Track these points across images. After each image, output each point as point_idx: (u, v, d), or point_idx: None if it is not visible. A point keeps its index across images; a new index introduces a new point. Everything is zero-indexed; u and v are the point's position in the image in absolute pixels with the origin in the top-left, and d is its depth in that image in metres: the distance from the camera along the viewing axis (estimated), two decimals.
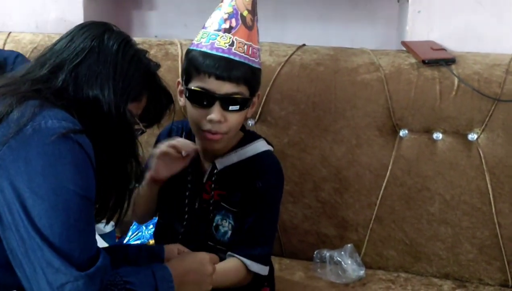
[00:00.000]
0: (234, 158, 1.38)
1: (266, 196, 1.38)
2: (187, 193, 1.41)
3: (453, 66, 1.64)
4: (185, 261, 1.21)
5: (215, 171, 1.39)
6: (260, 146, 1.41)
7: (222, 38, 1.29)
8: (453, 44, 1.76)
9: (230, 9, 1.31)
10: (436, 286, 1.61)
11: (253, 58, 1.31)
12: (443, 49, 1.72)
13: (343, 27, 2.09)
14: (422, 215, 1.65)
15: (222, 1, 1.34)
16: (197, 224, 1.41)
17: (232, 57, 1.28)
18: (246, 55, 1.29)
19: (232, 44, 1.28)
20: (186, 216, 1.42)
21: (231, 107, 1.29)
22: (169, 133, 1.47)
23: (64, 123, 0.97)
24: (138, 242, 1.76)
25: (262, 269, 1.36)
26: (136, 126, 1.13)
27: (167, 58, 1.82)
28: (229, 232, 1.39)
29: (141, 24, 2.31)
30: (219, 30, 1.30)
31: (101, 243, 1.65)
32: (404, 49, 1.77)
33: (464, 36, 1.77)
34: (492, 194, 1.60)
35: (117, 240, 1.82)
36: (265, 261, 1.37)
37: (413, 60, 1.69)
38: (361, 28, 2.07)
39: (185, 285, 1.14)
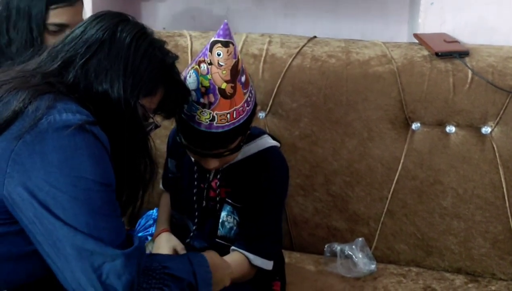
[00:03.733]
0: (238, 155, 1.37)
1: (270, 192, 1.37)
2: (194, 190, 1.40)
3: (466, 59, 1.62)
4: (212, 254, 1.20)
5: (220, 169, 1.38)
6: (264, 142, 1.40)
7: (202, 113, 1.22)
8: (466, 36, 1.75)
9: (206, 83, 1.22)
10: (448, 281, 1.60)
11: (240, 116, 1.25)
12: (456, 41, 1.70)
13: (354, 20, 2.08)
14: (435, 209, 1.64)
15: (198, 64, 1.23)
16: (207, 222, 1.41)
17: (214, 131, 1.23)
18: (230, 123, 1.24)
19: (213, 120, 1.22)
20: (197, 214, 1.42)
21: (224, 156, 1.29)
22: (174, 133, 1.44)
23: (79, 115, 0.96)
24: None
25: (265, 264, 1.35)
26: (150, 121, 1.11)
27: (176, 50, 1.80)
28: (235, 228, 1.39)
29: (149, 16, 2.30)
30: (198, 103, 1.23)
31: None
32: (417, 41, 1.75)
33: (477, 29, 1.76)
34: (506, 188, 1.58)
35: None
36: (269, 256, 1.36)
37: (425, 53, 1.68)
38: (371, 21, 2.06)
39: (216, 276, 1.13)
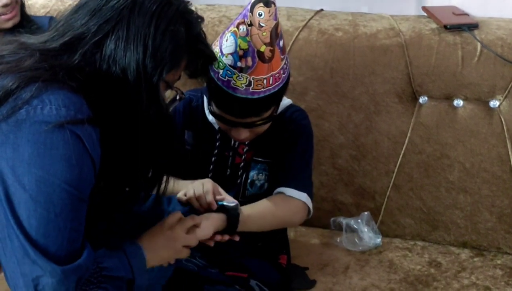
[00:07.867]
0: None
1: (299, 135, 1.38)
2: (212, 159, 1.39)
3: (475, 32, 1.61)
4: (153, 231, 1.13)
5: None
6: (284, 103, 1.41)
7: (238, 77, 1.20)
8: (475, 9, 1.72)
9: (245, 45, 1.20)
10: (454, 255, 1.60)
11: (276, 83, 1.24)
12: (465, 14, 1.68)
13: None
14: (441, 183, 1.63)
15: (237, 27, 1.21)
16: (229, 189, 1.39)
17: (250, 97, 1.22)
18: (266, 89, 1.23)
19: (249, 85, 1.21)
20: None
21: (256, 126, 1.28)
22: (189, 103, 1.42)
23: (64, 111, 0.89)
24: None
25: (301, 195, 1.34)
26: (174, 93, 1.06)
27: None
28: (266, 184, 1.39)
29: None
30: (234, 67, 1.21)
31: None
32: (425, 14, 1.73)
33: (487, 1, 1.73)
34: None
35: None
36: (306, 189, 1.35)
37: (434, 26, 1.66)
38: None
39: (157, 252, 1.09)
